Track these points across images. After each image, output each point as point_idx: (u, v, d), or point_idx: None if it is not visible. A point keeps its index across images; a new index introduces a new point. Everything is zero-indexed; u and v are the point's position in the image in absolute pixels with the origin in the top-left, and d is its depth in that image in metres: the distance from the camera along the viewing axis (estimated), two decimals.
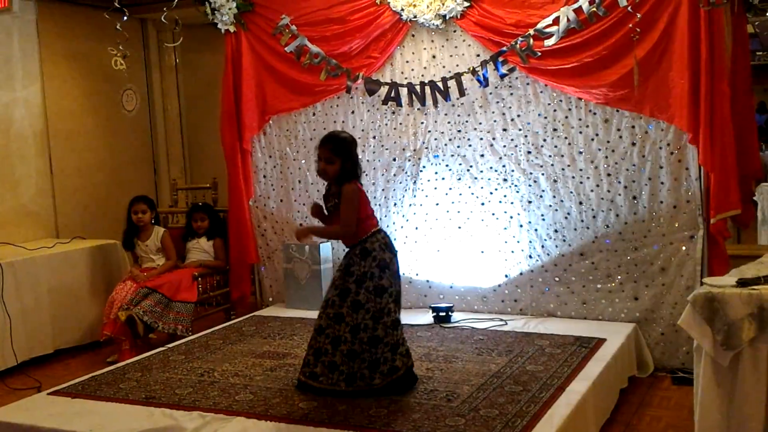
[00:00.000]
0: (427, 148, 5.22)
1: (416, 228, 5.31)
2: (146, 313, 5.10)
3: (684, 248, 4.59)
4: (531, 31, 4.74)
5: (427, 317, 4.99)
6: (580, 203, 4.82)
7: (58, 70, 6.34)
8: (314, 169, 5.53)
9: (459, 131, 5.13)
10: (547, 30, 4.69)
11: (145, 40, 7.20)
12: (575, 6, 4.60)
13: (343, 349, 3.62)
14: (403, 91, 5.21)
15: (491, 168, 5.06)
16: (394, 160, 5.29)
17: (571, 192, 4.84)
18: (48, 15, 6.23)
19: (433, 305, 5.05)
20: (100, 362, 5.14)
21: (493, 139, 5.03)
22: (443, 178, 5.18)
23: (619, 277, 4.77)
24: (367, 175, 5.40)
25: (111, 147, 6.80)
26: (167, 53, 7.34)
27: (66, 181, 6.36)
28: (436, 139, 5.20)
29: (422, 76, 5.18)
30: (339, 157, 3.68)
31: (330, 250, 5.51)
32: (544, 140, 4.88)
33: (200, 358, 4.40)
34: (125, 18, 4.84)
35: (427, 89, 5.13)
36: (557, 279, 4.94)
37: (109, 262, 5.86)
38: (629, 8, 4.38)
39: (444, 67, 5.12)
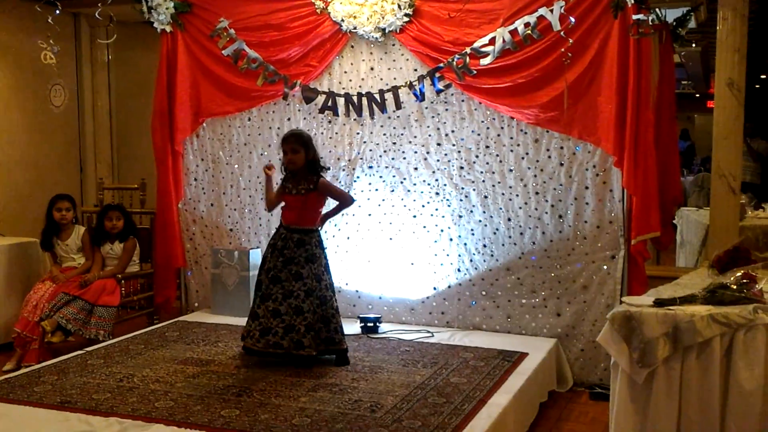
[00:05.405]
0: (362, 158, 5.24)
1: (348, 238, 5.32)
2: (69, 321, 4.94)
3: (605, 267, 4.73)
4: (468, 50, 4.83)
5: (355, 327, 4.99)
6: (509, 219, 4.92)
7: None
8: (248, 174, 5.55)
9: (394, 143, 5.17)
10: (483, 49, 4.79)
11: (77, 35, 7.00)
12: (511, 27, 4.72)
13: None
14: (340, 101, 5.23)
15: (424, 181, 5.12)
16: (329, 169, 5.28)
17: (501, 208, 4.94)
18: None
19: (361, 315, 5.07)
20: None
21: (427, 152, 5.09)
22: (377, 189, 5.21)
23: (543, 293, 4.88)
24: None
25: (36, 143, 6.58)
26: (100, 49, 7.16)
27: None
28: (371, 150, 5.22)
29: (360, 87, 5.21)
30: (303, 147, 4.33)
31: (259, 257, 5.46)
32: (477, 156, 4.97)
33: (120, 362, 4.29)
34: (58, 12, 4.71)
35: (364, 100, 5.16)
36: (484, 293, 5.02)
37: (29, 260, 5.66)
38: (562, 33, 4.51)
39: (382, 79, 5.16)
